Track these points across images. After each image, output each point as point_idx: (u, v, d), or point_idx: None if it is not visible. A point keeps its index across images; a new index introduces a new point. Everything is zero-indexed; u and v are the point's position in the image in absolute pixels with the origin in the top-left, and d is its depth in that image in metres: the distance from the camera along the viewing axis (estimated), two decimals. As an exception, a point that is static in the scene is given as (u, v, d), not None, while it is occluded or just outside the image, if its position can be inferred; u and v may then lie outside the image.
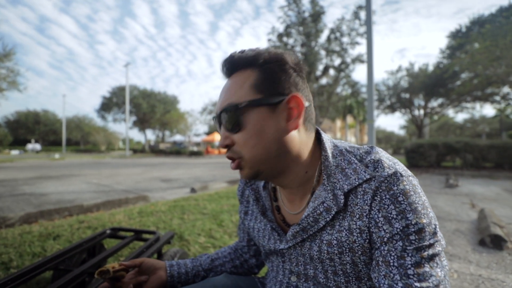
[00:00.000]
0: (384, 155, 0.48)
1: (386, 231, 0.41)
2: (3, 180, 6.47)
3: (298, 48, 17.59)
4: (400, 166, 0.46)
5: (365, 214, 0.44)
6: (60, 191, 4.85)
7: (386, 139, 47.54)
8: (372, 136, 6.06)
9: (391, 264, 0.40)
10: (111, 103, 33.26)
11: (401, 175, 0.43)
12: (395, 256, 0.40)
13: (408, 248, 0.40)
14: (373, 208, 0.43)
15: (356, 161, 0.47)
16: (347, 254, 0.46)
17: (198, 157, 22.48)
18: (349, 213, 0.46)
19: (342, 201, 0.46)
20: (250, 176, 0.51)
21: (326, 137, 0.54)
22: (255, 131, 0.47)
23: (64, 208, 3.18)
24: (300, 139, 0.49)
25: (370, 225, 0.43)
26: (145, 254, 1.15)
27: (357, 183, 0.45)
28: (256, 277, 0.74)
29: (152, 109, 32.40)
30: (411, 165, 9.67)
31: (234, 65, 0.51)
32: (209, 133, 40.87)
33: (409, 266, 0.39)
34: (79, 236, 2.15)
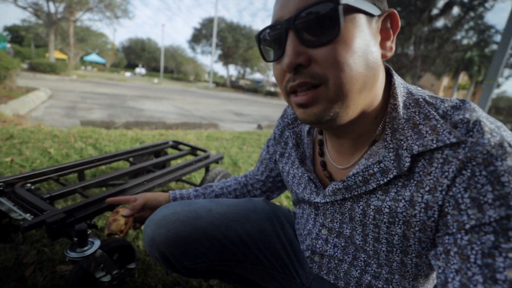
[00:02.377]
0: (483, 114, 0.35)
1: (472, 217, 0.32)
2: (118, 94, 8.10)
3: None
4: (508, 132, 0.33)
5: (440, 188, 0.34)
6: (153, 109, 5.79)
7: (510, 111, 36.36)
8: (487, 101, 4.66)
9: (471, 260, 0.31)
10: (200, 34, 34.98)
11: (510, 146, 0.31)
12: (480, 252, 0.31)
13: (503, 246, 0.30)
14: (456, 184, 0.33)
15: (437, 117, 0.36)
16: (398, 226, 0.39)
17: (274, 97, 22.67)
18: (414, 181, 0.37)
19: (407, 164, 0.37)
20: (318, 117, 0.37)
21: (399, 80, 0.42)
22: (356, 46, 0.34)
23: (152, 123, 3.84)
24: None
25: (446, 204, 0.34)
26: (193, 166, 1.31)
27: (434, 145, 0.35)
28: (292, 211, 0.72)
29: (236, 43, 32.83)
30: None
31: None
32: (288, 75, 39.55)
33: (500, 269, 0.29)
34: (158, 145, 2.61)
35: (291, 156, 0.60)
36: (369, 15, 0.36)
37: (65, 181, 1.05)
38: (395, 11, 0.38)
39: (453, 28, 15.08)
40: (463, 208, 0.32)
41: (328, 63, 0.34)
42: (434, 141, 0.35)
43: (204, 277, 0.65)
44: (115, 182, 1.24)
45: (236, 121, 5.72)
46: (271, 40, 0.40)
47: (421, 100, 0.39)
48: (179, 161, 1.89)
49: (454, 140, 0.33)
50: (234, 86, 30.58)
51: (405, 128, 0.38)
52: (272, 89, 30.06)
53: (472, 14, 14.24)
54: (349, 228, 0.47)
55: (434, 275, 0.46)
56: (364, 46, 0.35)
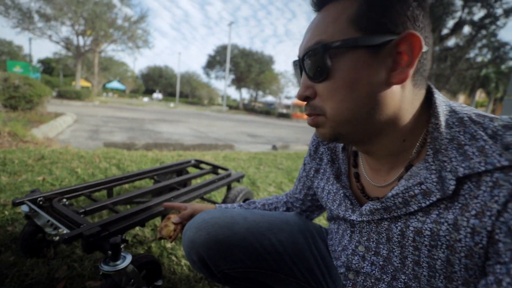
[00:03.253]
0: None
1: None
2: (137, 118, 8.46)
3: (421, -1, 14.05)
4: None
5: (489, 213, 0.32)
6: (170, 132, 5.98)
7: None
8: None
9: None
10: (214, 61, 36.64)
11: None
12: None
13: None
14: (508, 209, 0.30)
15: (485, 137, 0.34)
16: (441, 250, 0.36)
17: (286, 119, 22.85)
18: (459, 204, 0.35)
19: (452, 187, 0.35)
20: (328, 137, 0.43)
21: (441, 98, 0.41)
22: (346, 82, 0.38)
23: (170, 144, 3.95)
24: (402, 97, 0.38)
25: (497, 230, 0.31)
26: (215, 184, 1.33)
27: (482, 168, 0.32)
28: (324, 228, 0.71)
29: (248, 68, 34.06)
30: None
31: None
32: (299, 97, 40.18)
33: None
34: (177, 165, 2.66)
35: (326, 172, 0.59)
36: (372, 47, 0.36)
37: (95, 197, 1.09)
38: (413, 33, 0.34)
39: (466, 46, 15.00)
40: None
41: (325, 96, 0.40)
42: (482, 164, 0.33)
43: (238, 286, 0.64)
44: (140, 199, 1.27)
45: (250, 142, 5.78)
46: (296, 72, 0.48)
47: (466, 118, 0.37)
48: (199, 180, 1.91)
49: (505, 163, 0.31)
50: (247, 108, 31.25)
51: (449, 149, 0.36)
52: (284, 111, 30.43)
53: (484, 32, 14.18)
54: (385, 249, 0.45)
55: None
56: (361, 81, 0.37)
